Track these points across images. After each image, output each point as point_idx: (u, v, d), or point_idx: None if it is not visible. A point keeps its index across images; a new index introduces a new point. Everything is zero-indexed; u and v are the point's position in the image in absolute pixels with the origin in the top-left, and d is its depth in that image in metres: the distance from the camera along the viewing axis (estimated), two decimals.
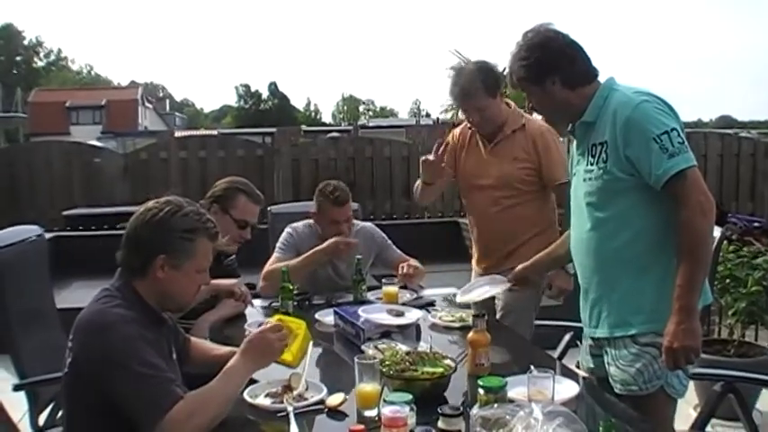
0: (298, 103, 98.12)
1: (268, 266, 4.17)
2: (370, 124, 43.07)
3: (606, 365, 2.83)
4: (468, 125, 4.14)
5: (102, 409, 2.21)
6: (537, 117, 4.07)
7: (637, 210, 2.68)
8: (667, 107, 2.65)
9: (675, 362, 2.55)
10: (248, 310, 3.82)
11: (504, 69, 3.21)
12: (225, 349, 2.82)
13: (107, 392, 2.20)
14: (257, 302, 4.02)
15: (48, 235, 4.63)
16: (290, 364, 2.59)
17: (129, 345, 2.21)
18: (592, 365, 2.98)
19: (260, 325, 3.26)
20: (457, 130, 4.30)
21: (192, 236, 2.44)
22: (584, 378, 2.84)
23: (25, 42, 74.00)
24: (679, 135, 2.56)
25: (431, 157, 3.97)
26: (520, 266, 3.53)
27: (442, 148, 3.98)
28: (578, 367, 3.08)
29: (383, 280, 4.03)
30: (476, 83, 3.85)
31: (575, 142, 2.97)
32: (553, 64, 2.76)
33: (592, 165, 2.75)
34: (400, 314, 3.45)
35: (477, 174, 4.10)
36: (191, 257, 2.45)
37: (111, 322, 2.26)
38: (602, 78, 2.83)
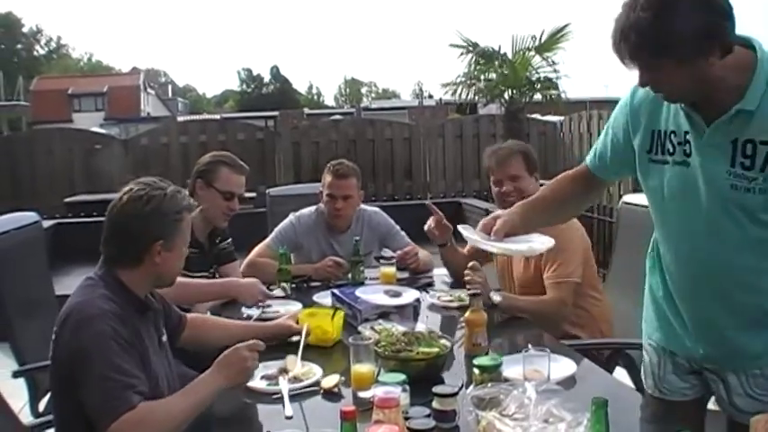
0: (300, 86, 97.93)
1: (256, 254, 4.17)
2: (373, 106, 43.00)
3: (722, 393, 2.24)
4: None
5: (77, 404, 2.20)
6: None
7: None
8: None
9: None
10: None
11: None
12: (237, 323, 2.96)
13: (74, 388, 2.19)
14: None
15: (49, 222, 4.64)
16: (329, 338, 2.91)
17: (98, 343, 2.18)
18: (683, 385, 2.37)
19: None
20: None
21: (180, 215, 2.45)
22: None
23: (25, 30, 73.84)
24: None
25: (431, 222, 3.84)
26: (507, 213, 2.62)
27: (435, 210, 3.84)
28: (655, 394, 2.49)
29: (380, 260, 4.03)
30: (517, 156, 3.70)
31: (666, 117, 2.18)
32: (713, 30, 1.87)
33: (749, 169, 1.97)
34: (397, 295, 3.44)
35: (504, 266, 3.80)
36: (181, 235, 2.47)
37: (86, 318, 2.23)
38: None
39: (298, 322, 2.99)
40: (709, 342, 2.22)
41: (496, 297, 3.29)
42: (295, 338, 2.91)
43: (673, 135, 2.14)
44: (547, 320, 3.28)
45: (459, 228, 2.73)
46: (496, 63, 10.53)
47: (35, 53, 75.47)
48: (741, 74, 1.94)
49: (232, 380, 2.34)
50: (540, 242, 2.57)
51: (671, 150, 2.15)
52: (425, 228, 3.88)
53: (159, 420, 2.17)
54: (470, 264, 3.42)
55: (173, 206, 2.43)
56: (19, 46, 72.54)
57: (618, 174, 2.57)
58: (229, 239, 3.99)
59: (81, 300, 2.31)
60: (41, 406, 3.35)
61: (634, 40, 1.91)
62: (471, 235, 2.59)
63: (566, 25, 10.22)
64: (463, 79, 10.76)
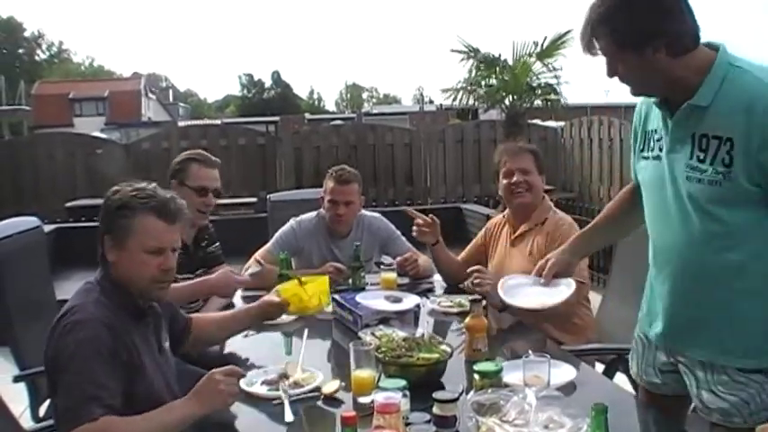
0: (301, 91, 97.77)
1: (255, 260, 4.15)
2: (374, 111, 43.02)
3: (693, 388, 2.33)
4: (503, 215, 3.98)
5: None
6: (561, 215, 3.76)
7: (760, 226, 2.15)
8: None
9: None
10: (236, 301, 3.86)
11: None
12: (226, 314, 2.99)
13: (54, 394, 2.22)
14: (239, 293, 4.04)
15: (50, 226, 4.65)
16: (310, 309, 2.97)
17: (78, 349, 2.18)
18: (657, 381, 2.51)
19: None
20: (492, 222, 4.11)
21: (127, 212, 2.36)
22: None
23: (27, 35, 73.94)
24: None
25: (418, 221, 3.89)
26: (556, 253, 2.92)
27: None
28: (632, 379, 2.74)
29: (381, 266, 4.04)
30: (529, 153, 3.82)
31: (643, 109, 2.44)
32: (658, 27, 2.11)
33: (702, 162, 2.14)
34: (398, 300, 3.44)
35: (500, 267, 3.79)
36: (132, 234, 2.35)
37: (73, 322, 2.23)
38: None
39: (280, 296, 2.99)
40: (674, 322, 2.37)
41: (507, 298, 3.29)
42: (286, 318, 3.16)
43: (655, 133, 2.34)
44: (556, 319, 3.28)
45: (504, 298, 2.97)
46: (497, 69, 10.55)
47: (37, 58, 75.54)
48: (700, 74, 2.13)
49: (206, 405, 2.25)
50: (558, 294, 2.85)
51: (652, 147, 2.35)
52: (414, 231, 3.92)
53: None
54: (476, 267, 3.44)
55: (118, 201, 2.39)
56: (21, 50, 72.62)
57: None
58: (217, 243, 3.98)
59: (73, 304, 2.32)
60: (42, 411, 3.36)
61: (590, 32, 2.20)
62: (515, 301, 2.94)
63: (567, 32, 10.22)
64: (464, 85, 10.77)
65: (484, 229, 4.12)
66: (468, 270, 3.45)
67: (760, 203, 2.11)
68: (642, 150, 2.42)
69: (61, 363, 2.18)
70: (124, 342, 2.28)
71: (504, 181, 3.78)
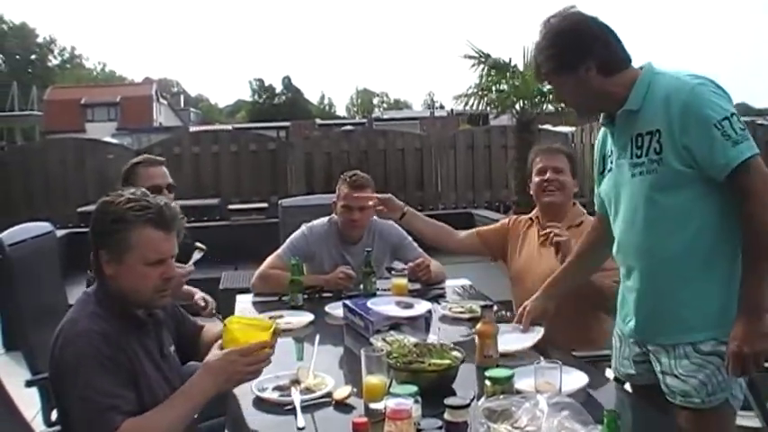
0: (312, 96, 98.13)
1: (267, 266, 4.17)
2: (385, 116, 43.04)
3: (659, 374, 2.56)
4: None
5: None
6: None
7: (696, 204, 2.42)
8: (722, 90, 2.42)
9: (744, 369, 2.33)
10: (239, 305, 3.88)
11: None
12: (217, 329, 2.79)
13: (64, 405, 2.22)
14: (246, 297, 4.05)
15: (62, 231, 4.67)
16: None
17: (79, 363, 2.16)
18: (632, 372, 2.73)
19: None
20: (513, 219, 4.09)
21: (122, 225, 2.28)
22: (623, 388, 2.75)
23: (39, 41, 74.34)
24: (739, 120, 2.34)
25: (372, 204, 3.91)
26: (531, 301, 3.15)
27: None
28: (617, 375, 2.86)
29: (392, 272, 4.04)
30: (564, 155, 3.82)
31: (601, 135, 2.77)
32: (586, 48, 2.48)
33: (639, 157, 2.48)
34: (409, 306, 3.44)
35: (528, 268, 3.77)
36: (130, 249, 2.29)
37: (70, 336, 2.22)
38: (636, 63, 2.59)
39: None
40: (641, 313, 2.61)
41: None
42: (297, 323, 3.15)
43: (610, 153, 2.68)
44: (602, 301, 3.25)
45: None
46: (508, 74, 10.53)
47: (49, 63, 75.96)
48: (629, 87, 2.50)
49: (221, 387, 2.29)
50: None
51: (607, 165, 2.71)
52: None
53: None
54: (552, 223, 3.52)
55: (111, 215, 2.31)
56: (33, 56, 73.00)
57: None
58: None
59: (70, 317, 2.32)
60: (54, 416, 3.37)
61: (535, 62, 2.66)
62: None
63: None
64: (475, 90, 10.76)
65: (508, 219, 4.08)
66: (545, 226, 3.52)
67: (695, 183, 2.39)
68: (602, 173, 2.76)
69: (67, 378, 2.18)
70: (123, 350, 2.27)
71: (537, 179, 3.76)
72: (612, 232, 2.72)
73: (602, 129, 2.76)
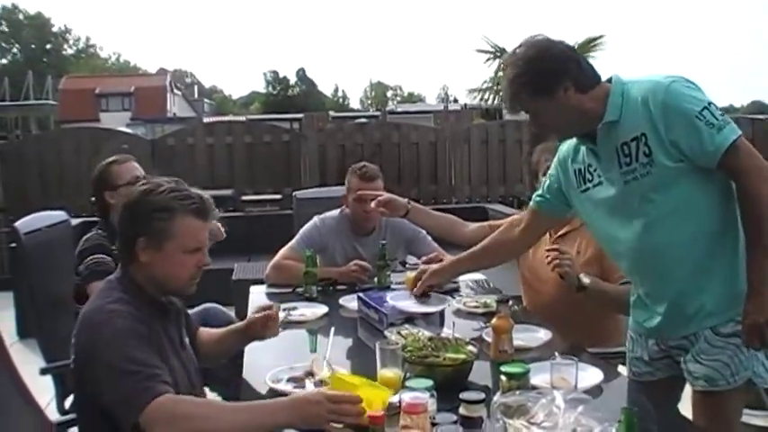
0: (326, 89, 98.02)
1: (281, 257, 4.17)
2: (398, 110, 42.95)
3: (683, 364, 2.59)
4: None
5: (101, 411, 2.17)
6: None
7: (694, 196, 2.49)
8: (694, 84, 2.49)
9: (761, 338, 2.36)
10: (253, 296, 3.90)
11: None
12: (223, 330, 2.85)
13: (97, 394, 2.16)
14: (260, 288, 4.06)
15: (76, 220, 4.67)
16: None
17: (116, 341, 2.14)
18: (648, 370, 2.75)
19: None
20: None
21: (166, 214, 2.32)
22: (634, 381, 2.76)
23: (54, 30, 74.57)
24: (716, 108, 2.42)
25: (373, 205, 3.89)
26: (430, 270, 3.41)
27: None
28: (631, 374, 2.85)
29: (406, 266, 4.02)
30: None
31: (580, 152, 2.74)
32: (561, 69, 2.53)
33: (629, 164, 2.51)
34: (427, 301, 3.42)
35: (539, 266, 3.70)
36: (171, 237, 2.33)
37: (101, 320, 2.21)
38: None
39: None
40: (661, 312, 2.62)
41: (586, 279, 3.27)
42: (310, 315, 3.11)
43: (590, 166, 2.70)
44: (626, 309, 3.23)
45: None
46: None
47: (64, 53, 76.19)
48: (604, 101, 2.54)
49: (292, 421, 2.08)
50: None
51: (590, 177, 2.70)
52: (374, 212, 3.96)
53: (199, 425, 2.05)
54: (555, 246, 3.42)
55: (155, 203, 2.33)
56: (48, 45, 73.25)
57: (554, 205, 2.97)
58: None
59: (96, 303, 2.32)
60: (67, 403, 3.38)
61: (510, 93, 2.62)
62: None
63: (599, 36, 10.18)
64: (490, 85, 10.73)
65: (520, 217, 4.04)
66: (547, 248, 3.41)
67: (689, 174, 2.45)
68: (578, 186, 2.77)
69: (100, 358, 2.14)
70: (154, 331, 2.30)
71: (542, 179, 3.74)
72: (526, 244, 3.12)
73: (569, 144, 2.83)
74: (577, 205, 2.85)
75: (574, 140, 2.78)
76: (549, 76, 2.52)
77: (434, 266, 3.47)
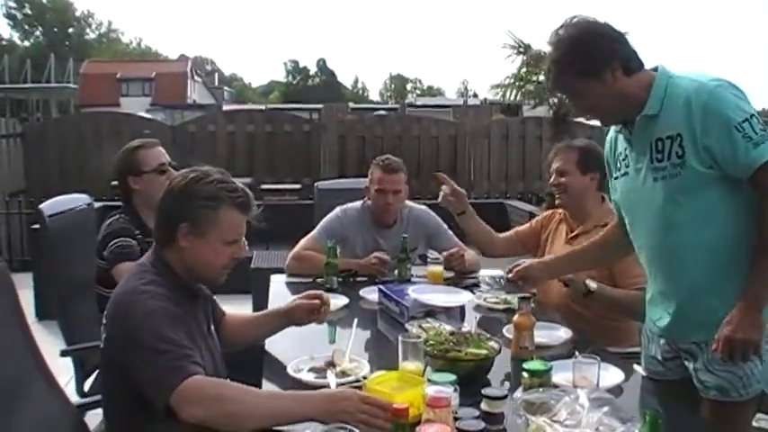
0: (345, 80, 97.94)
1: (302, 247, 4.17)
2: (417, 103, 42.88)
3: (692, 371, 2.57)
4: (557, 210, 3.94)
5: (130, 392, 2.17)
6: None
7: (719, 203, 2.44)
8: (741, 92, 2.42)
9: (731, 353, 2.36)
10: (273, 286, 3.90)
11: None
12: (259, 313, 2.87)
13: (130, 374, 2.16)
14: (280, 277, 4.07)
15: (98, 204, 4.69)
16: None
17: (150, 320, 2.16)
18: (661, 369, 2.73)
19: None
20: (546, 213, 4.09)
21: (214, 203, 2.35)
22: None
23: (77, 14, 74.88)
24: (759, 121, 2.35)
25: (445, 189, 3.90)
26: (533, 262, 3.32)
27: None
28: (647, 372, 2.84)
29: (427, 259, 4.02)
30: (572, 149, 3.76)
31: (617, 139, 2.74)
32: (610, 50, 2.46)
33: (661, 161, 2.48)
34: (449, 294, 3.42)
35: None
36: (214, 226, 2.36)
37: (134, 300, 2.23)
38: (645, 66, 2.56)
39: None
40: (673, 313, 2.60)
41: (593, 284, 3.29)
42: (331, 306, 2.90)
43: (621, 155, 2.70)
44: (634, 315, 3.26)
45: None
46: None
47: (86, 37, 76.45)
48: (647, 90, 2.48)
49: (320, 414, 2.04)
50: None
51: (619, 167, 2.71)
52: (440, 197, 3.91)
53: (219, 396, 2.04)
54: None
55: (205, 191, 2.36)
56: (70, 30, 73.53)
57: None
58: None
59: (131, 284, 2.33)
60: (87, 386, 3.40)
61: (555, 75, 2.54)
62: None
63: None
64: (512, 80, 10.70)
65: (540, 217, 4.08)
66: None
67: (718, 182, 2.41)
68: (612, 173, 2.79)
69: (135, 339, 2.14)
70: (186, 314, 2.33)
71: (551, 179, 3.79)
72: (626, 239, 2.80)
73: (611, 132, 2.81)
74: (612, 193, 2.84)
75: (613, 130, 2.77)
76: (597, 57, 2.46)
77: (537, 261, 3.38)
